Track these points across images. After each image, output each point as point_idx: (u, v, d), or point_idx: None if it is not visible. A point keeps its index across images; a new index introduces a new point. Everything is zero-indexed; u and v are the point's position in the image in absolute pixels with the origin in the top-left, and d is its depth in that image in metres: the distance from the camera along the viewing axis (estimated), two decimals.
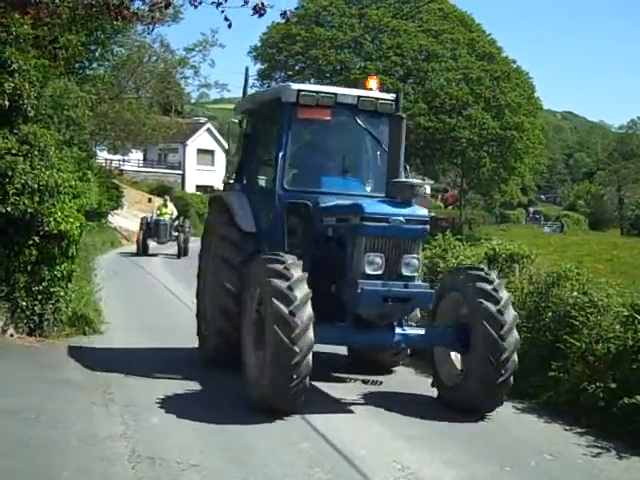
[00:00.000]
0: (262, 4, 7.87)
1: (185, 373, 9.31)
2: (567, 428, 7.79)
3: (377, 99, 9.18)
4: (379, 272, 7.89)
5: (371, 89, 9.49)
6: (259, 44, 55.14)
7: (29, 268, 10.40)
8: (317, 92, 9.03)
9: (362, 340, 8.42)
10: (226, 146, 65.05)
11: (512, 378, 7.83)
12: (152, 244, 27.82)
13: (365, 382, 9.30)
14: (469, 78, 52.10)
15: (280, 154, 8.81)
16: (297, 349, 7.07)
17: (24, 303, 10.44)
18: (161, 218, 28.02)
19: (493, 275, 8.27)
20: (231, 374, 8.66)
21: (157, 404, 7.75)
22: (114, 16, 8.40)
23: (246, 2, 7.79)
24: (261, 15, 7.98)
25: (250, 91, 41.07)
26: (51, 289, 10.59)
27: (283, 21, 9.49)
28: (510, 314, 7.85)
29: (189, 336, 11.09)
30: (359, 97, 9.10)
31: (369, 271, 7.87)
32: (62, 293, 10.76)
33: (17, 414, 7.05)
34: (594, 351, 8.27)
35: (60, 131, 13.11)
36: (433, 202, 74.10)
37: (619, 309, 8.63)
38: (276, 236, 8.83)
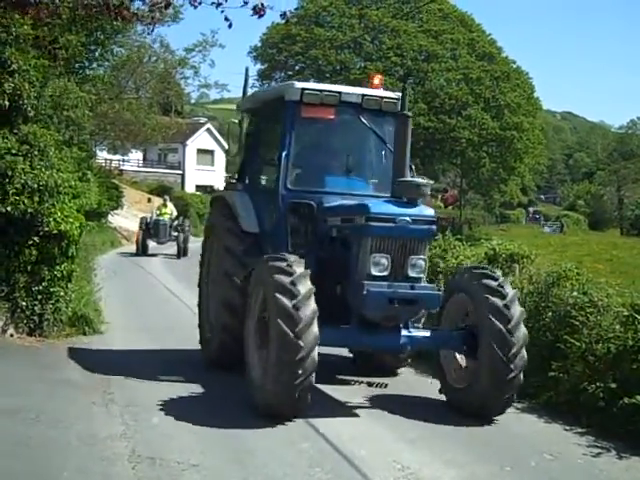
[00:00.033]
0: (262, 5, 7.86)
1: (185, 373, 9.31)
2: (567, 428, 7.79)
3: (382, 98, 9.06)
4: (385, 273, 7.76)
5: (376, 84, 9.35)
6: (259, 44, 55.20)
7: (29, 268, 10.40)
8: (321, 91, 8.92)
9: (367, 342, 8.24)
10: (226, 146, 65.24)
11: (522, 375, 7.72)
12: (151, 244, 27.79)
13: (370, 385, 9.18)
14: (469, 78, 52.14)
15: (283, 153, 8.69)
16: (302, 343, 6.95)
17: (24, 303, 10.44)
18: (161, 218, 27.96)
19: (498, 272, 8.21)
20: (232, 375, 8.67)
21: (157, 404, 7.74)
22: (114, 16, 8.39)
23: (246, 3, 7.79)
24: (261, 16, 7.96)
25: (250, 91, 41.08)
26: (51, 289, 10.60)
27: (283, 22, 9.42)
28: (517, 309, 7.76)
29: (189, 336, 11.09)
30: (363, 96, 9.00)
31: (375, 272, 7.75)
32: (62, 293, 10.76)
33: (17, 414, 7.05)
34: (594, 351, 8.27)
35: (60, 131, 13.11)
36: (433, 202, 74.05)
37: (619, 309, 8.63)
38: (279, 237, 8.72)
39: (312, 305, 7.15)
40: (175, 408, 7.60)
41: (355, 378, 9.40)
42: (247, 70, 42.23)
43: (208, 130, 68.35)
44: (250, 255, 8.80)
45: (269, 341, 7.22)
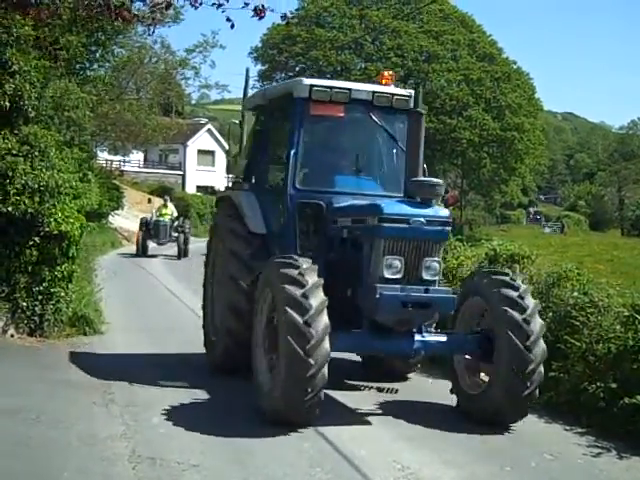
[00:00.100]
0: (262, 6, 7.84)
1: (185, 375, 9.31)
2: (567, 428, 7.79)
3: (393, 94, 8.83)
4: (398, 276, 7.49)
5: (387, 81, 9.05)
6: (260, 45, 55.23)
7: (30, 268, 10.41)
8: (330, 87, 8.68)
9: (380, 348, 7.96)
10: (227, 147, 65.20)
11: (538, 390, 7.50)
12: (151, 245, 27.74)
13: (380, 390, 8.95)
14: (469, 79, 52.19)
15: (292, 152, 8.45)
16: (312, 361, 6.70)
17: (25, 303, 10.45)
18: (161, 219, 27.91)
19: (519, 281, 7.84)
20: (234, 378, 8.67)
21: (157, 404, 7.74)
22: (115, 17, 8.37)
23: (247, 4, 7.77)
24: (261, 18, 7.92)
25: (250, 92, 41.05)
26: (51, 289, 10.61)
27: (284, 23, 9.35)
28: (537, 323, 7.45)
29: (190, 338, 11.11)
30: (374, 92, 8.77)
31: (388, 275, 7.48)
32: (62, 293, 10.77)
33: (18, 414, 7.06)
34: (595, 351, 8.27)
35: (61, 132, 13.13)
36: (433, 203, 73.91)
37: (620, 309, 8.63)
38: (287, 238, 8.47)
39: (324, 320, 6.87)
40: (175, 408, 7.60)
41: (364, 383, 9.17)
42: (248, 71, 42.07)
43: (209, 131, 68.40)
44: (257, 259, 8.57)
45: (279, 355, 6.99)
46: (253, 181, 9.61)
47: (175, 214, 29.23)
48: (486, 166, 54.01)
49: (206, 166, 65.44)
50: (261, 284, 7.68)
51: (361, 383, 9.17)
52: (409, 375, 9.64)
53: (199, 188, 61.61)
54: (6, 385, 8.13)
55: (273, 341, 7.24)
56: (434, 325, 8.58)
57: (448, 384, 9.07)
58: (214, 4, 7.92)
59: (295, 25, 49.87)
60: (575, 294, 9.17)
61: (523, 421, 7.93)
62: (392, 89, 9.00)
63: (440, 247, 7.76)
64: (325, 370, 6.83)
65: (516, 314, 7.37)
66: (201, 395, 8.25)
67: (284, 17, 8.94)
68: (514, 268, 11.36)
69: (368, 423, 7.63)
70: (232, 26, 8.04)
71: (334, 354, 7.00)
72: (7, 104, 10.22)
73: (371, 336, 7.77)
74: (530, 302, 7.56)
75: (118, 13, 8.23)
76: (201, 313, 10.43)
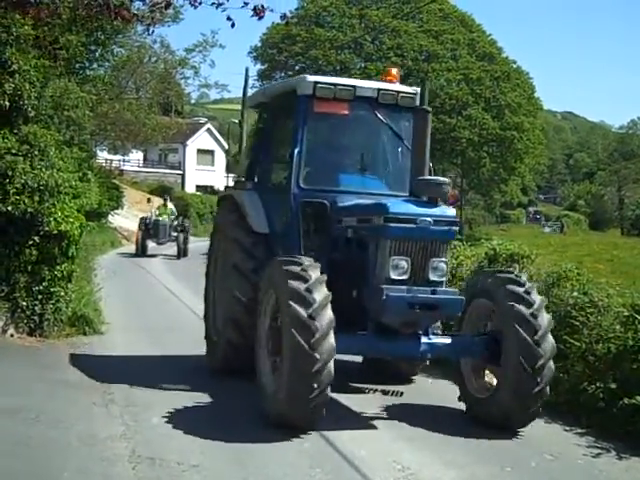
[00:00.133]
0: (262, 6, 7.83)
1: (185, 374, 9.32)
2: (567, 428, 7.79)
3: (398, 92, 8.69)
4: (405, 277, 7.34)
5: (392, 78, 8.97)
6: (259, 44, 55.17)
7: (29, 268, 10.40)
8: (335, 84, 8.54)
9: (385, 350, 7.81)
10: (226, 146, 65.27)
11: (548, 388, 7.34)
12: (151, 244, 27.71)
13: (385, 393, 8.79)
14: (469, 78, 52.15)
15: (295, 150, 8.32)
16: (317, 355, 6.56)
17: (24, 303, 10.44)
18: (160, 218, 27.88)
19: (524, 277, 7.80)
20: (234, 376, 8.66)
21: (157, 404, 7.74)
22: (114, 17, 8.36)
23: (246, 3, 7.77)
24: (261, 17, 7.90)
25: (250, 92, 41.06)
26: (51, 289, 10.60)
27: (283, 23, 9.32)
28: (544, 318, 7.34)
29: (189, 336, 11.13)
30: (379, 90, 8.62)
31: (394, 276, 7.32)
32: (62, 293, 10.76)
33: (17, 414, 7.05)
34: (594, 351, 8.27)
35: (60, 131, 13.12)
36: None
37: (619, 309, 8.63)
38: (291, 238, 8.35)
39: (329, 314, 6.76)
40: (175, 408, 7.59)
41: (369, 386, 9.01)
42: (247, 70, 42.19)
43: (208, 130, 68.44)
44: (259, 273, 8.32)
45: (283, 351, 6.86)
46: (256, 180, 9.48)
47: (175, 214, 29.22)
48: (486, 165, 53.97)
49: (206, 165, 65.48)
50: (264, 285, 7.57)
51: (365, 386, 9.01)
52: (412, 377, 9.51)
53: (199, 187, 61.66)
54: (6, 385, 8.12)
55: (277, 343, 7.13)
56: (439, 327, 8.52)
57: (447, 384, 9.08)
58: (213, 3, 7.93)
59: (295, 25, 49.81)
60: (575, 294, 9.16)
61: None
62: (397, 86, 8.88)
63: (447, 247, 7.66)
64: (331, 366, 6.69)
65: (523, 308, 7.27)
66: (201, 395, 8.25)
67: (283, 17, 8.93)
68: (514, 268, 11.38)
69: (369, 424, 7.60)
70: (232, 25, 8.04)
71: (337, 356, 6.90)
72: (7, 103, 10.21)
73: (376, 338, 7.62)
74: (537, 297, 7.49)
75: (118, 12, 8.22)
76: (200, 313, 10.42)
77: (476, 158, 53.50)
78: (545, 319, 7.35)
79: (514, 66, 56.96)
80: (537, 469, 6.58)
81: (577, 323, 8.66)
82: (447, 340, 7.96)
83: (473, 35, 55.12)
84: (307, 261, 7.18)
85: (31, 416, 7.02)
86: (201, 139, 66.77)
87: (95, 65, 21.67)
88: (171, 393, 8.22)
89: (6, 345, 10.03)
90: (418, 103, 8.32)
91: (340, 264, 7.95)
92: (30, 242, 10.32)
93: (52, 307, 10.68)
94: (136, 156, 57.91)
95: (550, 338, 7.33)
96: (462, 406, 8.05)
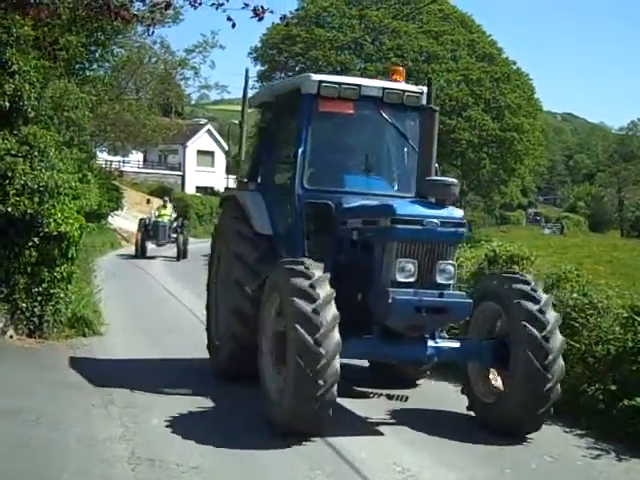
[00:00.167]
0: (262, 7, 7.83)
1: (185, 375, 9.32)
2: (567, 430, 7.78)
3: (404, 91, 8.56)
4: (411, 280, 7.18)
5: (397, 77, 8.84)
6: (259, 45, 55.17)
7: (29, 269, 10.40)
8: (340, 83, 8.41)
9: (391, 354, 7.68)
10: (226, 147, 65.26)
11: (559, 386, 7.19)
12: (150, 246, 27.62)
13: (390, 398, 8.65)
14: (469, 79, 52.16)
15: (299, 150, 8.17)
16: (322, 351, 6.43)
17: (24, 304, 10.44)
18: (160, 220, 27.81)
19: (540, 291, 7.54)
20: (236, 379, 8.61)
21: (156, 406, 7.75)
22: (114, 17, 8.35)
23: (246, 5, 7.77)
24: (261, 19, 7.89)
25: (250, 92, 41.06)
26: (51, 290, 10.60)
27: (283, 24, 9.31)
28: (552, 314, 7.26)
29: (189, 338, 11.13)
30: (384, 89, 8.49)
31: (400, 279, 7.17)
32: (62, 294, 10.76)
33: (17, 415, 7.05)
34: (594, 353, 8.26)
35: (60, 132, 13.12)
36: None
37: (619, 311, 8.63)
38: (295, 239, 8.22)
39: (333, 310, 6.64)
40: (175, 409, 7.58)
41: (374, 390, 8.87)
42: (247, 71, 42.18)
43: (208, 131, 68.43)
44: (263, 262, 8.34)
45: (288, 352, 6.68)
46: (259, 181, 9.34)
47: (174, 215, 29.16)
48: (485, 167, 53.96)
49: (205, 167, 65.45)
50: (268, 288, 7.42)
51: (370, 390, 8.88)
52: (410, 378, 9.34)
53: (198, 189, 61.63)
54: (5, 386, 8.11)
55: (281, 351, 6.95)
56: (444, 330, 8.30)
57: (447, 386, 9.07)
58: (213, 4, 7.93)
59: (295, 25, 49.79)
60: (574, 295, 9.16)
61: None
62: (403, 85, 8.77)
63: (455, 250, 7.52)
64: (337, 363, 6.56)
65: (530, 304, 7.16)
66: (200, 397, 8.24)
67: (283, 18, 8.93)
68: (513, 269, 11.38)
69: (369, 426, 7.58)
70: (233, 25, 8.02)
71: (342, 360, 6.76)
72: (7, 104, 10.22)
73: (382, 342, 7.48)
74: (543, 294, 7.38)
75: (117, 13, 8.22)
76: (200, 314, 10.41)
77: (476, 159, 53.49)
78: (553, 315, 7.27)
79: (514, 67, 56.97)
80: (537, 471, 6.58)
81: (577, 325, 8.66)
82: (454, 344, 7.81)
83: (473, 36, 55.14)
84: (315, 271, 6.99)
85: (31, 418, 7.03)
86: (201, 140, 66.75)
87: (95, 66, 21.66)
88: (170, 395, 8.22)
89: (6, 346, 10.03)
90: (425, 102, 8.11)
91: (345, 266, 7.82)
92: (30, 243, 10.32)
93: (52, 308, 10.67)
94: (136, 157, 57.94)
95: (559, 334, 7.23)
96: (463, 408, 8.04)
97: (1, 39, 10.32)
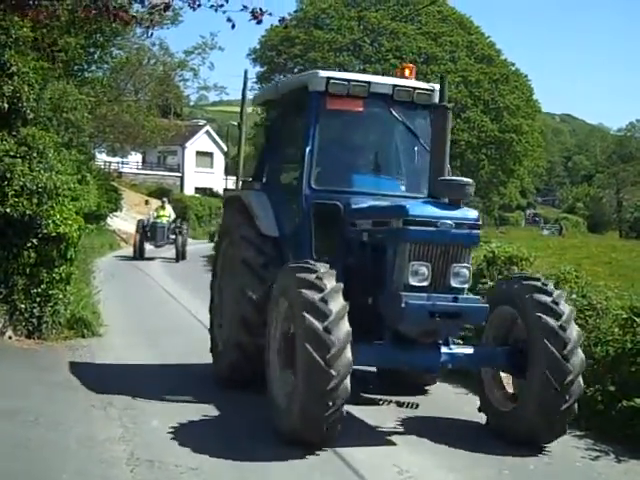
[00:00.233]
0: (260, 9, 7.81)
1: (184, 376, 9.32)
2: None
3: (414, 88, 8.33)
4: (425, 283, 6.89)
5: (407, 75, 8.59)
6: (258, 47, 55.27)
7: (28, 270, 10.39)
8: (348, 80, 8.14)
9: (404, 361, 7.41)
10: (225, 148, 65.30)
11: (576, 405, 6.96)
12: (149, 247, 27.53)
13: (400, 405, 8.32)
14: (468, 81, 52.28)
15: (307, 149, 7.93)
16: (333, 372, 6.18)
17: (23, 305, 10.43)
18: (158, 221, 27.69)
19: (551, 285, 7.32)
20: (239, 387, 8.55)
21: (156, 407, 7.75)
22: (113, 19, 8.35)
23: (245, 7, 7.77)
24: (259, 22, 7.88)
25: (249, 94, 41.09)
26: (50, 291, 10.59)
27: (282, 26, 9.32)
28: (573, 330, 6.93)
29: (188, 339, 11.13)
30: (395, 86, 8.25)
31: (413, 282, 6.88)
32: (61, 295, 10.75)
33: (16, 416, 7.04)
34: (593, 354, 8.25)
35: (59, 133, 13.14)
36: None
37: (618, 312, 8.63)
38: (302, 241, 7.97)
39: (345, 326, 6.37)
40: (173, 411, 7.59)
41: (383, 397, 8.51)
42: (246, 72, 42.18)
43: (207, 132, 68.49)
44: (269, 268, 8.11)
45: (296, 365, 6.48)
46: (264, 180, 9.08)
47: (173, 216, 29.11)
48: (484, 168, 54.09)
49: (205, 168, 65.50)
50: (275, 293, 7.17)
51: (379, 397, 8.54)
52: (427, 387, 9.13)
53: (197, 190, 61.67)
54: (4, 387, 8.11)
55: (289, 356, 6.76)
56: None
57: (448, 387, 9.06)
58: (212, 6, 7.92)
59: (293, 27, 49.93)
60: (573, 296, 9.15)
61: None
62: (414, 83, 8.54)
63: (469, 252, 7.20)
64: (347, 383, 6.32)
65: (551, 320, 6.87)
66: (200, 399, 8.22)
67: (282, 20, 8.94)
68: (512, 270, 11.38)
69: (370, 428, 7.55)
70: (233, 26, 7.99)
71: None
72: (5, 105, 10.22)
73: (394, 348, 7.20)
74: (566, 308, 7.07)
75: (116, 15, 8.21)
76: (199, 315, 10.35)
77: (475, 161, 53.62)
78: (574, 331, 6.95)
79: (513, 68, 57.11)
80: (535, 472, 6.58)
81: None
82: (468, 350, 7.54)
83: (472, 37, 55.28)
84: (322, 268, 6.78)
85: (30, 418, 7.02)
86: (200, 141, 66.80)
87: (94, 67, 21.74)
88: (170, 396, 8.20)
89: (4, 347, 10.02)
90: (437, 100, 7.89)
91: (354, 269, 7.63)
92: (28, 244, 10.31)
93: (50, 309, 10.67)
94: (135, 158, 58.03)
95: (579, 352, 6.94)
96: (463, 410, 8.04)
97: (0, 40, 10.32)
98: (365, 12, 52.87)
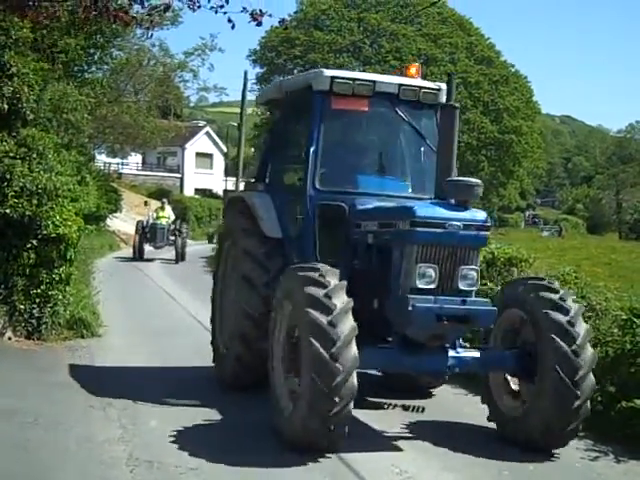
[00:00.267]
0: (260, 11, 7.81)
1: (183, 376, 9.31)
2: None
3: (420, 87, 8.21)
4: (432, 286, 6.76)
5: (413, 74, 8.46)
6: (258, 48, 55.28)
7: (27, 271, 10.39)
8: (353, 79, 8.02)
9: (410, 365, 7.21)
10: (225, 149, 65.34)
11: (589, 403, 6.81)
12: (148, 248, 27.51)
13: (406, 408, 8.25)
14: (468, 82, 52.26)
15: (311, 149, 7.82)
16: (339, 366, 6.08)
17: (22, 306, 10.43)
18: (158, 222, 27.65)
19: (557, 284, 7.25)
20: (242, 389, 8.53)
21: (155, 407, 7.75)
22: (113, 20, 8.35)
23: (245, 8, 7.76)
24: (259, 24, 7.87)
25: (249, 95, 41.11)
26: (49, 292, 10.59)
27: (282, 28, 9.33)
28: (582, 326, 6.82)
29: (187, 339, 11.14)
30: (400, 85, 8.13)
31: (421, 285, 6.75)
32: (60, 296, 10.75)
33: (15, 417, 7.04)
34: None
35: (59, 134, 13.16)
36: None
37: (617, 313, 8.64)
38: (306, 243, 7.86)
39: (350, 321, 6.27)
40: (173, 411, 7.60)
41: (388, 401, 8.44)
42: (246, 74, 42.16)
43: (207, 133, 68.54)
44: (272, 258, 8.07)
45: (301, 364, 6.37)
46: (267, 181, 8.96)
47: (172, 217, 29.08)
48: (484, 169, 54.08)
49: (204, 169, 65.55)
50: (279, 296, 7.03)
51: (384, 400, 8.44)
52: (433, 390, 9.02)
53: (197, 191, 61.72)
54: (3, 388, 8.10)
55: (293, 361, 6.67)
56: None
57: (449, 389, 9.04)
58: (212, 7, 7.92)
59: (293, 28, 49.95)
60: (573, 297, 9.14)
61: None
62: (420, 82, 8.42)
63: (478, 254, 7.07)
64: (354, 379, 6.21)
65: (559, 316, 6.78)
66: (199, 399, 8.22)
67: (282, 22, 8.93)
68: (512, 272, 11.40)
69: (370, 430, 7.52)
70: (233, 27, 7.97)
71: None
72: (5, 106, 10.22)
73: (401, 352, 7.06)
74: (573, 304, 6.97)
75: (116, 15, 8.21)
76: (199, 316, 10.33)
77: (474, 162, 53.61)
78: (583, 327, 6.85)
79: (512, 70, 57.13)
80: (535, 472, 6.57)
81: None
82: (476, 354, 7.39)
83: (471, 39, 55.31)
84: (331, 279, 6.60)
85: (29, 419, 7.02)
86: (200, 142, 66.84)
87: (94, 68, 21.75)
88: (169, 396, 8.19)
89: (4, 348, 10.02)
90: (444, 99, 7.85)
91: (359, 271, 7.50)
92: (28, 245, 10.31)
93: (50, 310, 10.67)
94: (135, 159, 58.08)
95: (589, 348, 6.82)
96: (464, 411, 8.02)
97: (0, 41, 10.33)
98: (365, 13, 52.91)
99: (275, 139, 9.22)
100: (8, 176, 10.05)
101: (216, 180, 62.38)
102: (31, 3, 8.65)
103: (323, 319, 6.19)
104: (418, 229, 6.79)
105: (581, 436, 7.56)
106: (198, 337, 10.98)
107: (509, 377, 7.54)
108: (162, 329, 12.67)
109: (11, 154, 10.22)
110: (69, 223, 10.50)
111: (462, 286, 6.88)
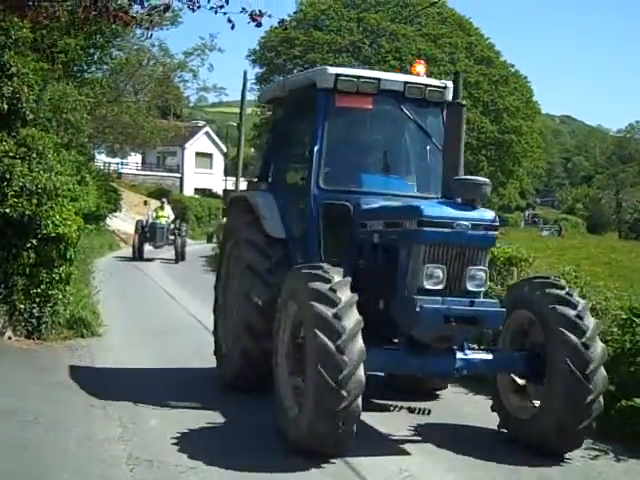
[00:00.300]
0: (260, 11, 7.80)
1: (183, 375, 9.32)
2: None
3: (426, 85, 8.11)
4: (440, 287, 6.63)
5: (418, 71, 8.39)
6: (258, 48, 55.30)
7: (27, 271, 10.40)
8: (358, 77, 7.90)
9: (417, 367, 7.08)
10: (224, 149, 65.35)
11: (602, 399, 6.65)
12: (148, 248, 27.49)
13: (411, 411, 8.11)
14: (467, 82, 52.23)
15: (315, 148, 7.72)
16: (345, 359, 5.96)
17: (22, 306, 10.44)
18: (157, 221, 27.63)
19: (576, 296, 6.99)
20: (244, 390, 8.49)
21: (155, 406, 7.74)
22: (113, 20, 8.36)
23: (244, 9, 7.76)
24: (259, 25, 7.86)
25: (248, 95, 41.13)
26: (49, 292, 10.59)
27: (281, 28, 9.33)
28: (591, 320, 6.73)
29: (187, 339, 11.15)
30: (406, 83, 8.02)
31: (428, 286, 6.62)
32: (60, 296, 10.75)
33: (15, 416, 7.05)
34: None
35: (58, 134, 13.15)
36: None
37: (617, 312, 8.65)
38: (310, 243, 7.75)
39: (356, 315, 6.16)
40: (172, 410, 7.60)
41: (393, 402, 8.31)
42: (245, 73, 42.21)
43: (207, 133, 68.54)
44: (275, 273, 7.86)
45: (306, 362, 6.25)
46: (270, 180, 8.87)
47: (172, 217, 29.07)
48: (484, 169, 54.07)
49: (204, 169, 65.54)
50: (284, 295, 6.91)
51: (390, 402, 8.31)
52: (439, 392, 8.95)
53: (197, 190, 61.72)
54: (3, 387, 8.10)
55: (298, 361, 6.57)
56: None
57: (455, 389, 9.03)
58: (212, 8, 7.92)
59: (293, 28, 49.97)
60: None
61: None
62: (425, 79, 8.33)
63: (486, 254, 6.90)
64: (361, 373, 6.06)
65: (567, 309, 6.68)
66: (198, 397, 8.23)
67: (282, 22, 8.92)
68: (512, 271, 11.40)
69: (376, 433, 7.49)
70: (232, 27, 7.97)
71: None
72: (5, 106, 10.22)
73: (408, 354, 6.93)
74: (580, 299, 6.91)
75: (116, 16, 8.21)
76: (199, 315, 10.34)
77: (474, 162, 53.58)
78: (592, 321, 6.75)
79: (512, 70, 57.16)
80: (535, 471, 6.57)
81: None
82: (484, 356, 7.25)
83: (471, 39, 55.33)
84: (335, 275, 6.47)
85: (29, 418, 7.02)
86: (199, 142, 66.84)
87: (93, 68, 21.74)
88: (169, 395, 8.19)
89: (4, 348, 10.02)
90: (450, 97, 7.79)
91: (365, 272, 7.39)
92: (28, 245, 10.32)
93: (50, 310, 10.67)
94: (134, 159, 58.06)
95: (599, 342, 6.71)
96: (464, 410, 8.00)
97: (0, 41, 10.33)
98: (365, 13, 52.93)
99: (278, 138, 9.11)
100: (8, 176, 10.06)
101: (216, 180, 62.37)
102: (31, 3, 8.66)
103: (328, 312, 6.10)
104: (425, 229, 6.67)
105: None
106: (198, 336, 10.99)
107: (517, 379, 7.43)
108: (162, 328, 12.68)
109: (11, 154, 10.23)
110: (69, 223, 10.51)
111: (470, 287, 6.75)
